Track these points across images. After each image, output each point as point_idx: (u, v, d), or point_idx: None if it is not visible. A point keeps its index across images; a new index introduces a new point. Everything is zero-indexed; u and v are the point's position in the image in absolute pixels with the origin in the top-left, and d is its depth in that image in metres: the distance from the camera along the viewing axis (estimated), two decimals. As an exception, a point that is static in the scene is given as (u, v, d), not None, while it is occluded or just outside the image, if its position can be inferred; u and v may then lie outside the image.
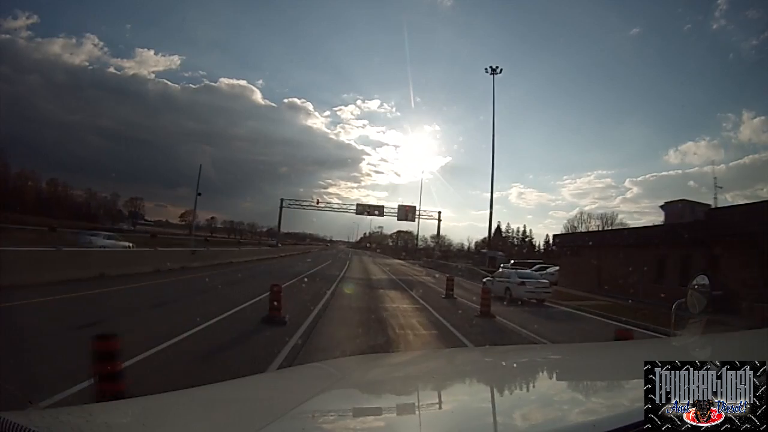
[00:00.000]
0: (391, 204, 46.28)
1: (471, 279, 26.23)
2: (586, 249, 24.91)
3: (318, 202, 46.73)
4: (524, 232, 72.61)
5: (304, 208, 46.57)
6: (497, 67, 37.22)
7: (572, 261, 26.05)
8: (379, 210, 45.79)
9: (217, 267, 20.61)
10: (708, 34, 61.77)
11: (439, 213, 49.07)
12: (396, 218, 45.38)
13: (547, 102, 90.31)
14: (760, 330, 2.34)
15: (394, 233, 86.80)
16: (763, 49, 53.13)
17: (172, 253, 20.03)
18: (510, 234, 71.24)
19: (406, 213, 45.16)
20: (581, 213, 59.43)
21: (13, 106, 54.26)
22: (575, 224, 57.99)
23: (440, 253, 50.66)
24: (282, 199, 46.12)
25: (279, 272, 19.82)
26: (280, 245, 54.87)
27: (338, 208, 47.59)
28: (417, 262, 52.49)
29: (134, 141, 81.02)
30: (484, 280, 18.49)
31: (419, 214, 46.23)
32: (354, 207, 46.01)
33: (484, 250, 45.60)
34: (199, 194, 32.34)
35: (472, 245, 70.00)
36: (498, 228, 69.96)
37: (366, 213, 45.96)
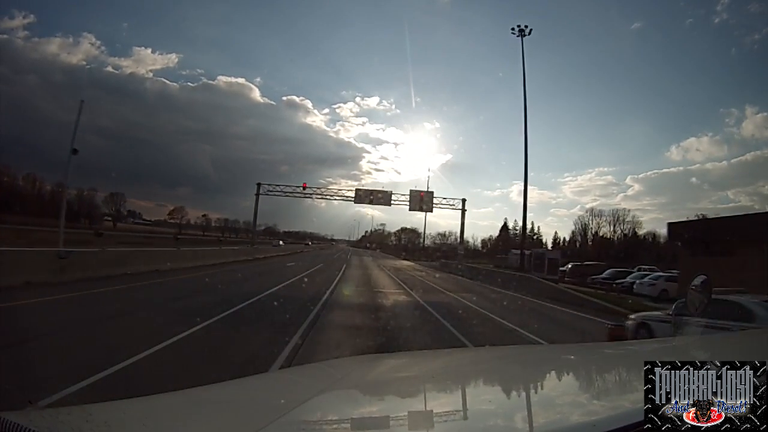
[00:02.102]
0: (402, 192, 37.30)
1: (533, 293, 16.88)
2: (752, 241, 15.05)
3: (305, 187, 36.37)
4: (532, 229, 70.50)
5: (286, 195, 36.58)
6: (525, 27, 30.30)
7: (714, 262, 15.45)
8: (384, 197, 36.04)
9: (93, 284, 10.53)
10: (710, 29, 61.62)
11: (464, 201, 37.61)
12: (407, 207, 35.99)
13: (547, 99, 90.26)
14: (760, 330, 2.34)
15: (397, 230, 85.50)
16: (765, 44, 52.84)
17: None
18: (517, 231, 70.23)
19: (421, 201, 35.78)
20: (591, 209, 57.93)
21: (11, 106, 53.92)
22: (586, 221, 56.55)
23: (463, 254, 39.90)
24: (259, 184, 35.79)
25: (207, 298, 10.39)
26: (281, 244, 52.67)
27: (331, 196, 37.76)
28: (429, 264, 43.95)
29: (133, 140, 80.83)
30: (633, 317, 8.53)
31: (436, 203, 36.64)
32: (353, 194, 36.72)
33: (515, 251, 37.39)
34: (75, 151, 15.61)
35: (478, 243, 68.98)
36: (504, 225, 69.22)
37: (369, 201, 36.46)
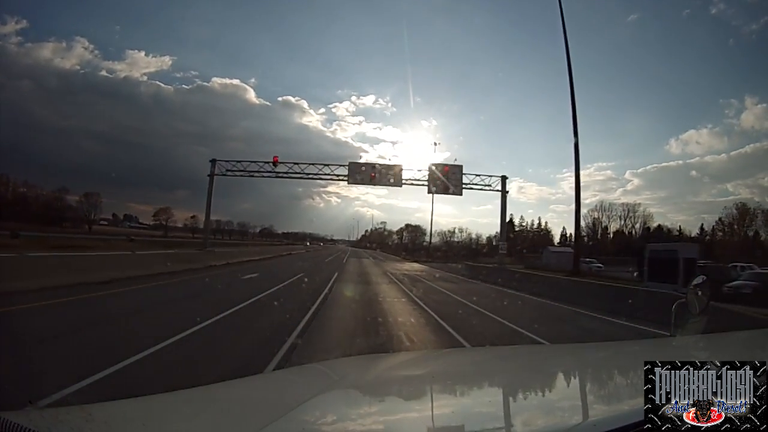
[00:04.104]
0: (419, 167, 27.87)
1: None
2: None
3: (276, 162, 26.58)
4: (539, 224, 69.28)
5: (251, 175, 27.28)
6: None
7: None
8: (392, 174, 25.88)
9: None
10: (707, 19, 61.49)
11: (503, 180, 26.72)
12: (426, 190, 26.62)
13: (545, 94, 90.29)
14: (760, 330, 2.34)
15: (400, 229, 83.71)
16: (763, 33, 52.59)
17: None
18: (524, 227, 68.59)
19: (445, 178, 25.56)
20: (602, 202, 56.97)
21: (5, 112, 53.41)
22: (597, 215, 55.37)
23: (505, 253, 27.66)
24: (213, 161, 26.88)
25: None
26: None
27: (314, 176, 27.54)
28: (442, 266, 36.35)
29: (129, 144, 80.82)
30: None
31: (467, 184, 26.40)
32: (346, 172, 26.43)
33: (554, 248, 31.17)
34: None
35: (482, 241, 67.59)
36: (510, 221, 68.12)
37: (370, 180, 26.30)
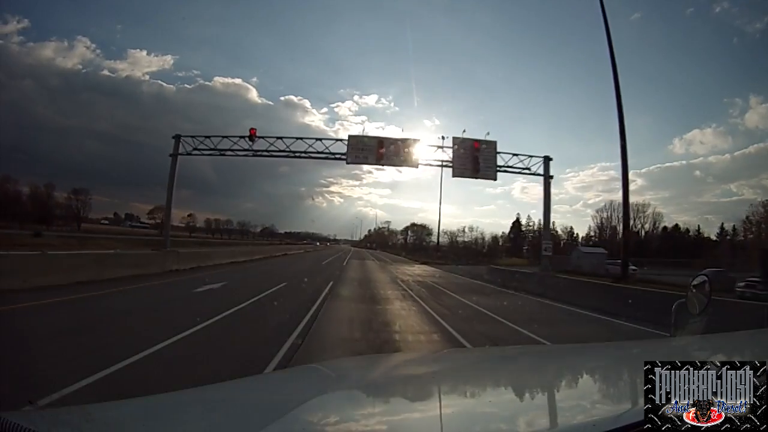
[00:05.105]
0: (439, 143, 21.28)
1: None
2: None
3: (253, 135, 21.05)
4: (546, 225, 68.41)
5: (223, 153, 21.85)
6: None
7: None
8: (403, 152, 20.33)
9: None
10: (712, 18, 61.17)
11: (547, 161, 20.89)
12: (451, 172, 20.74)
13: (547, 94, 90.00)
14: (760, 330, 2.34)
15: (404, 228, 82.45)
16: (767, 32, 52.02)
17: None
18: (531, 227, 66.73)
19: (475, 158, 19.93)
20: (611, 202, 54.72)
21: (8, 112, 53.16)
22: (607, 214, 53.82)
23: (550, 255, 22.58)
24: (177, 137, 21.52)
25: None
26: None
27: (303, 154, 21.62)
28: (457, 268, 32.05)
29: (132, 143, 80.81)
30: None
31: (501, 166, 20.77)
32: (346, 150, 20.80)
33: (585, 249, 26.11)
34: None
35: (488, 241, 66.64)
36: (517, 220, 67.20)
37: (377, 160, 20.68)
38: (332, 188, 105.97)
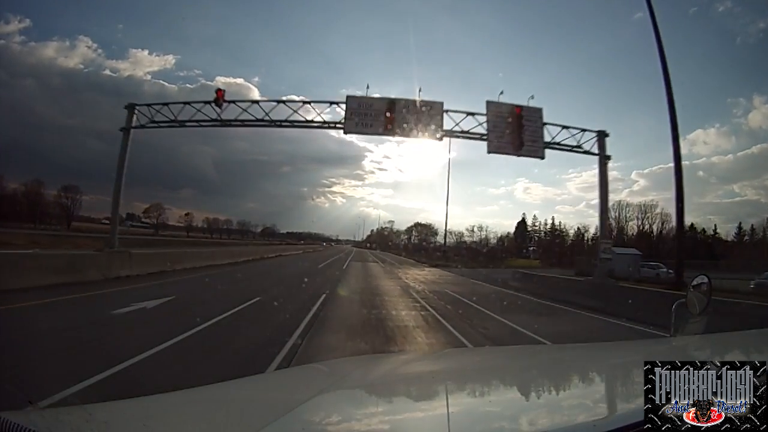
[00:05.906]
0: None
1: None
2: None
3: (220, 98, 16.25)
4: (552, 224, 66.29)
5: (183, 125, 17.15)
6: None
7: None
8: (428, 120, 15.33)
9: None
10: (715, 17, 60.94)
11: (602, 136, 16.36)
12: (487, 148, 15.68)
13: (550, 94, 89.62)
14: (760, 330, 2.34)
15: (408, 227, 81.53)
16: None
17: None
18: (537, 227, 66.21)
19: (518, 127, 15.21)
20: (619, 202, 54.20)
21: (10, 111, 52.68)
22: (615, 215, 52.00)
23: (610, 257, 16.74)
24: (132, 106, 16.70)
25: None
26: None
27: (285, 122, 16.79)
28: (478, 272, 28.09)
29: (135, 143, 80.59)
30: None
31: (549, 140, 15.81)
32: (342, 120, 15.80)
33: (619, 250, 22.71)
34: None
35: (492, 239, 65.60)
36: (523, 220, 66.65)
37: (385, 130, 15.55)
38: (334, 188, 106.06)
